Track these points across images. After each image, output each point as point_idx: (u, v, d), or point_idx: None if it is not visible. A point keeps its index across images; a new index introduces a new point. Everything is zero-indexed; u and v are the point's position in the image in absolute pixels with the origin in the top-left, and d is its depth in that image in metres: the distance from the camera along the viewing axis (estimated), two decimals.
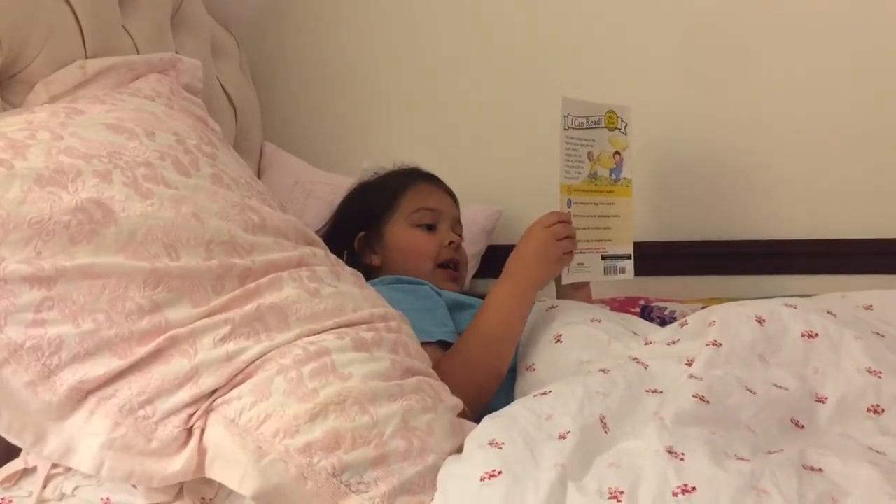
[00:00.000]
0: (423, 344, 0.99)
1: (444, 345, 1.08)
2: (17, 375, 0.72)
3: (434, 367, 0.94)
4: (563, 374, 0.97)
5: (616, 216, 1.21)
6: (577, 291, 1.25)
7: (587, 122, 1.16)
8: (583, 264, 1.18)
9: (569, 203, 1.17)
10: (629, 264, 1.23)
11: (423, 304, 1.13)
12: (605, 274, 1.21)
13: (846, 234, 1.51)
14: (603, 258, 1.19)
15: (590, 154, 1.18)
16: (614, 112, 1.19)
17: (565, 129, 1.16)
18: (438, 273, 1.28)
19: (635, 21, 1.57)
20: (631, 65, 1.58)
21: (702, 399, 0.80)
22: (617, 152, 1.19)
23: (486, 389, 1.03)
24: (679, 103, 1.56)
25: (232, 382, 0.75)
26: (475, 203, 1.55)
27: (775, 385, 0.85)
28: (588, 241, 1.18)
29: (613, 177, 1.19)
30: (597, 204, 1.19)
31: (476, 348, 1.05)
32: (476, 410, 0.96)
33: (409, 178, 1.37)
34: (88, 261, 0.74)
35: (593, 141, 1.17)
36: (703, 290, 1.49)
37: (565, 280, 1.18)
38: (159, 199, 0.80)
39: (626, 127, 1.20)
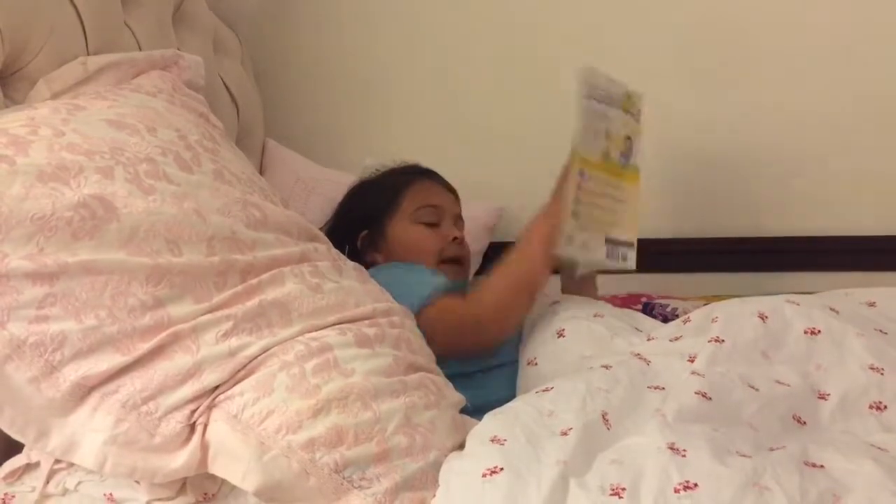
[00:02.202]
0: (439, 296, 1.05)
1: (454, 291, 1.10)
2: (20, 371, 0.72)
3: (461, 304, 1.03)
4: (565, 369, 0.97)
5: (622, 201, 1.13)
6: (583, 286, 1.25)
7: (608, 97, 1.09)
8: (586, 244, 1.10)
9: (582, 174, 1.09)
10: (632, 254, 1.13)
11: (423, 271, 1.15)
12: (607, 257, 1.12)
13: (846, 232, 1.51)
14: (606, 241, 1.10)
15: (607, 132, 1.10)
16: (631, 95, 1.11)
17: (585, 98, 1.08)
18: (442, 269, 1.28)
19: (638, 16, 1.57)
20: (633, 61, 1.57)
21: (704, 396, 0.80)
22: (628, 137, 1.11)
23: (520, 307, 1.09)
24: (680, 101, 1.55)
25: (234, 378, 0.76)
26: (477, 200, 1.55)
27: (777, 381, 0.85)
28: (593, 221, 1.10)
29: (623, 161, 1.11)
30: (607, 184, 1.11)
31: (510, 272, 1.09)
32: (512, 329, 1.07)
33: (409, 176, 1.37)
34: (91, 257, 0.74)
35: (610, 119, 1.10)
36: (705, 287, 1.48)
37: (565, 253, 1.10)
38: (161, 196, 0.80)
39: (639, 114, 1.12)
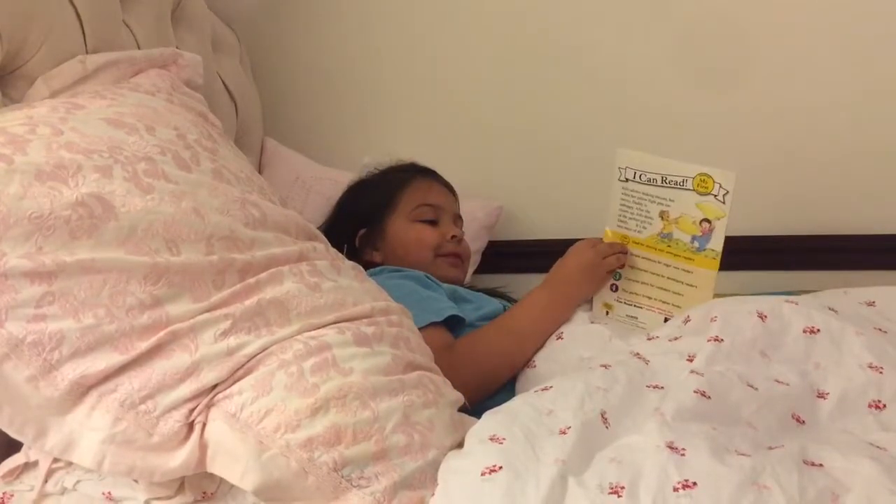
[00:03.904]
0: (432, 325, 1.02)
1: (453, 322, 1.09)
2: (19, 370, 0.72)
3: (444, 348, 0.97)
4: (563, 371, 0.97)
5: (692, 286, 1.10)
6: None
7: (662, 180, 1.09)
8: (635, 318, 1.13)
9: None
10: None
11: (425, 286, 1.14)
12: None
13: (845, 231, 1.52)
14: (666, 322, 1.08)
15: (663, 213, 1.10)
16: (709, 177, 1.07)
17: (620, 180, 1.11)
18: (439, 261, 1.28)
19: (638, 16, 1.57)
20: (633, 61, 1.58)
21: (703, 394, 0.80)
22: (706, 220, 1.09)
23: (499, 379, 1.06)
24: (680, 101, 1.56)
25: (233, 377, 0.75)
26: (476, 199, 1.55)
27: (776, 380, 0.85)
28: (650, 298, 1.12)
29: (696, 245, 1.09)
30: (667, 265, 1.11)
31: (500, 339, 1.07)
32: (481, 398, 0.97)
33: (408, 174, 1.37)
34: (89, 256, 0.74)
35: (671, 201, 1.09)
36: None
37: (605, 320, 1.13)
38: (160, 194, 0.80)
39: (725, 195, 1.07)
